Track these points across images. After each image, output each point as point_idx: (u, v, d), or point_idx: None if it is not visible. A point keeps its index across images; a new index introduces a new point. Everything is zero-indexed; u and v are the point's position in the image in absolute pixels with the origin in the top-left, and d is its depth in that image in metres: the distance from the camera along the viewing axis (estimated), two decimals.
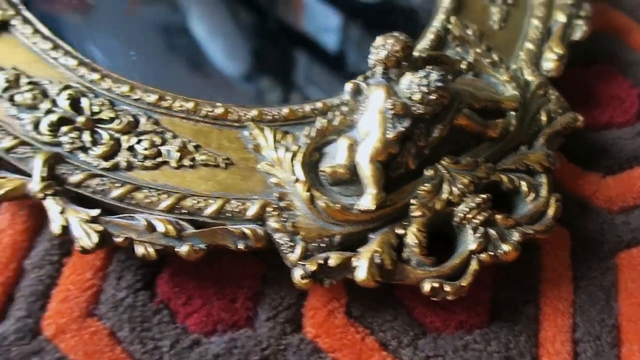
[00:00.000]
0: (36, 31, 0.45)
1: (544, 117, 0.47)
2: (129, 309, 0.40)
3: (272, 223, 0.39)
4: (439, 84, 0.39)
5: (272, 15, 0.59)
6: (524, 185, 0.42)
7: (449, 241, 0.41)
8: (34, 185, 0.38)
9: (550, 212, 0.42)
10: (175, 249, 0.38)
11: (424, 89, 0.39)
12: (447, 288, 0.38)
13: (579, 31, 0.53)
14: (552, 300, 0.44)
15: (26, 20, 0.46)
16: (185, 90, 0.44)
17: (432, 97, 0.39)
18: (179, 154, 0.42)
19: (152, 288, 0.42)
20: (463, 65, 0.47)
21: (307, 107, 0.44)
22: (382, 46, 0.41)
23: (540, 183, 0.43)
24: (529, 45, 0.52)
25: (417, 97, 0.39)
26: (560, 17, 0.54)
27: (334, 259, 0.38)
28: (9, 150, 0.40)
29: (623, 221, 0.49)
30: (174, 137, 0.42)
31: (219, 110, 0.43)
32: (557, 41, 0.52)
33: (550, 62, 0.52)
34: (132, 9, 0.54)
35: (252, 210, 0.40)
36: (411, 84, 0.40)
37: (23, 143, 0.40)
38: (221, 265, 0.42)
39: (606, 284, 0.45)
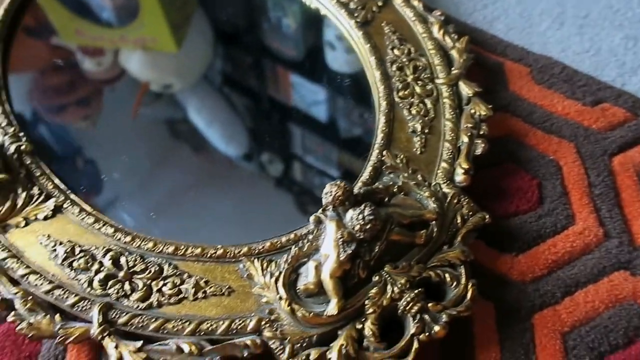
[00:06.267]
0: (82, 210, 0.58)
1: (459, 220, 0.57)
2: None
3: (267, 333, 0.51)
4: (371, 217, 0.51)
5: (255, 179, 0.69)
6: (447, 277, 0.54)
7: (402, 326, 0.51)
8: (94, 330, 0.50)
9: (469, 295, 0.53)
10: None
11: (361, 222, 0.51)
12: None
13: (479, 148, 0.64)
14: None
15: (74, 202, 0.59)
16: (194, 238, 0.56)
17: (367, 226, 0.51)
18: (194, 289, 0.53)
19: None
20: (394, 189, 0.58)
21: (283, 239, 0.56)
22: (329, 193, 0.55)
23: (460, 273, 0.54)
24: (444, 164, 0.63)
25: (357, 227, 0.51)
26: (465, 139, 0.64)
27: (313, 354, 0.50)
28: (72, 305, 0.52)
29: (534, 289, 0.59)
30: (189, 276, 0.54)
31: (220, 251, 0.55)
32: (464, 158, 0.63)
33: (460, 175, 0.61)
34: (151, 183, 0.67)
35: (251, 325, 0.51)
36: (352, 218, 0.52)
37: (82, 299, 0.53)
38: None
39: (525, 342, 0.56)
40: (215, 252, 0.56)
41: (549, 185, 0.66)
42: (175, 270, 0.56)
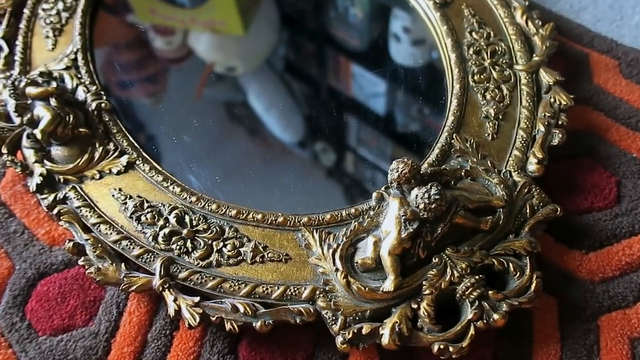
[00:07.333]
0: (152, 168, 0.61)
1: (528, 210, 0.55)
2: None
3: (320, 302, 0.51)
4: (437, 196, 0.50)
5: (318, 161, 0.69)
6: (511, 267, 0.52)
7: (456, 311, 0.51)
8: (156, 281, 0.52)
9: (533, 287, 0.51)
10: (252, 324, 0.50)
11: (426, 201, 0.50)
12: (451, 349, 0.48)
13: (557, 138, 0.61)
14: (542, 356, 0.53)
15: (145, 160, 0.61)
16: (256, 205, 0.58)
17: (432, 206, 0.50)
18: (252, 253, 0.54)
19: (235, 353, 0.54)
20: (462, 173, 0.55)
21: (344, 213, 0.56)
22: (395, 169, 0.54)
23: (525, 264, 0.53)
24: (517, 152, 0.60)
25: (421, 206, 0.51)
26: (541, 128, 0.62)
27: (365, 328, 0.49)
28: (137, 256, 0.54)
29: (603, 290, 0.56)
30: (249, 240, 0.55)
31: (280, 219, 0.56)
32: (538, 148, 0.60)
33: (533, 165, 0.58)
34: (217, 148, 0.68)
35: (306, 293, 0.52)
36: (417, 197, 0.51)
37: (147, 251, 0.55)
38: (284, 334, 0.53)
39: (589, 343, 0.54)
40: (276, 219, 0.57)
41: (629, 183, 0.63)
42: (235, 233, 0.56)
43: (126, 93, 0.74)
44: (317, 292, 0.52)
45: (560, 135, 0.61)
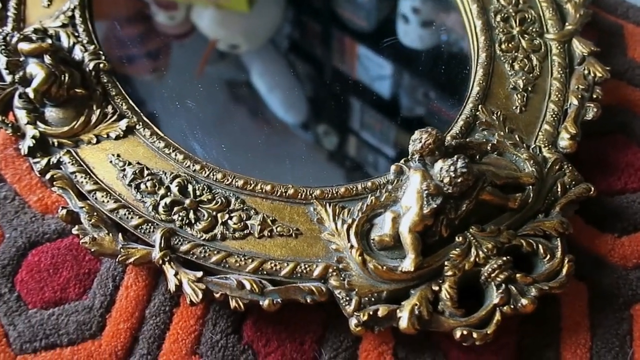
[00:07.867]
0: (153, 133, 0.56)
1: (559, 189, 0.51)
2: (222, 349, 0.50)
3: (333, 281, 0.48)
4: (464, 169, 0.47)
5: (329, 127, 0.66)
6: (541, 248, 0.49)
7: (480, 295, 0.47)
8: (155, 254, 0.49)
9: (564, 271, 0.48)
10: (259, 302, 0.47)
11: (452, 174, 0.47)
12: (475, 335, 0.45)
13: (591, 112, 0.57)
14: (571, 346, 0.50)
15: (146, 125, 0.57)
16: (264, 175, 0.54)
17: (458, 180, 0.47)
18: (260, 226, 0.51)
19: (239, 332, 0.51)
20: (488, 147, 0.51)
21: (359, 186, 0.53)
22: (418, 139, 0.50)
23: (556, 246, 0.49)
24: (547, 127, 0.57)
25: (446, 180, 0.47)
26: (574, 101, 0.58)
27: (381, 310, 0.46)
28: (136, 227, 0.51)
29: (638, 277, 0.52)
30: (256, 213, 0.52)
31: (291, 191, 0.53)
32: (571, 122, 0.56)
33: (565, 140, 0.56)
34: (223, 115, 0.65)
35: (317, 271, 0.48)
36: (441, 169, 0.48)
37: (146, 221, 0.51)
38: (293, 314, 0.50)
39: (621, 333, 0.50)
40: (286, 191, 0.53)
41: None
42: (242, 205, 0.52)
43: (126, 59, 0.69)
44: (330, 270, 0.48)
45: (595, 110, 0.57)
